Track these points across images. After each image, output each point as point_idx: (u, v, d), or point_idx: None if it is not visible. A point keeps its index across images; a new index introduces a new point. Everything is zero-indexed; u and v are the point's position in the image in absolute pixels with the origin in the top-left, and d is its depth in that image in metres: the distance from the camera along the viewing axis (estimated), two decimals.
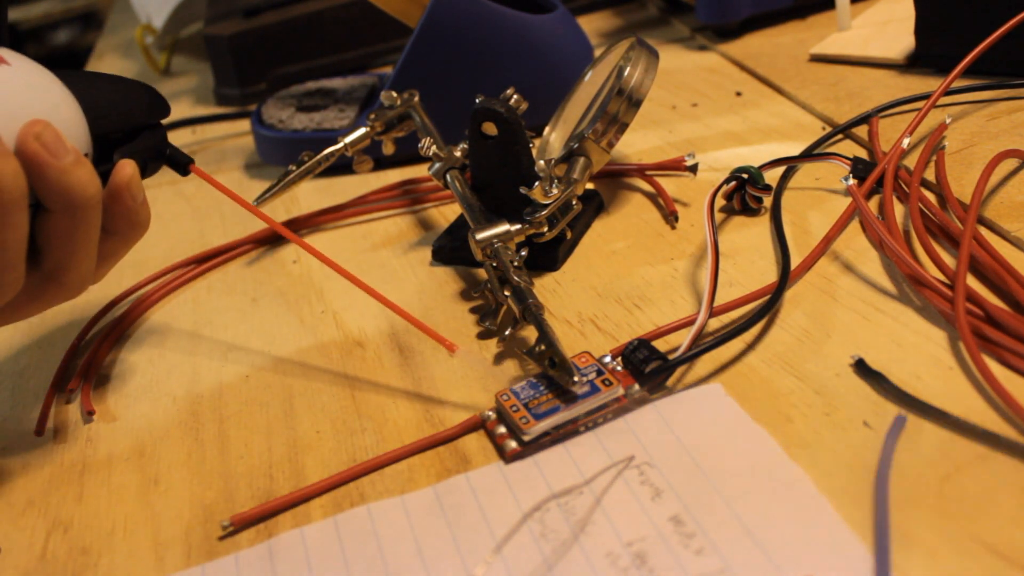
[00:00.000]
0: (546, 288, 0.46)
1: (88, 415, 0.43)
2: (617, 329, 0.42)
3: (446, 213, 0.56)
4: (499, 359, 0.41)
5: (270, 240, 0.56)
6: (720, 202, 0.50)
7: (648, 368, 0.37)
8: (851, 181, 0.44)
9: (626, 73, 0.47)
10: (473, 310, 0.46)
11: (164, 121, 0.41)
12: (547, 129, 0.53)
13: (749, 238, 0.47)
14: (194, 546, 0.35)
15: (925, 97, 0.53)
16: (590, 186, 0.54)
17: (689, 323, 0.39)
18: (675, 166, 0.54)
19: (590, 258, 0.48)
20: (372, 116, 0.56)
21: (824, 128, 0.57)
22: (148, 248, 0.59)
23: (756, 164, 0.49)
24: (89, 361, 0.47)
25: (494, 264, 0.43)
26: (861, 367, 0.36)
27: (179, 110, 0.84)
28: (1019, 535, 0.28)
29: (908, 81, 0.60)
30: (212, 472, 0.38)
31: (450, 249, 0.50)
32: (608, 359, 0.39)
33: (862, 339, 0.38)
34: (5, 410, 0.45)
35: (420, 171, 0.61)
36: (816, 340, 0.38)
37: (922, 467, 0.31)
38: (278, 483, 0.37)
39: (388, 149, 0.58)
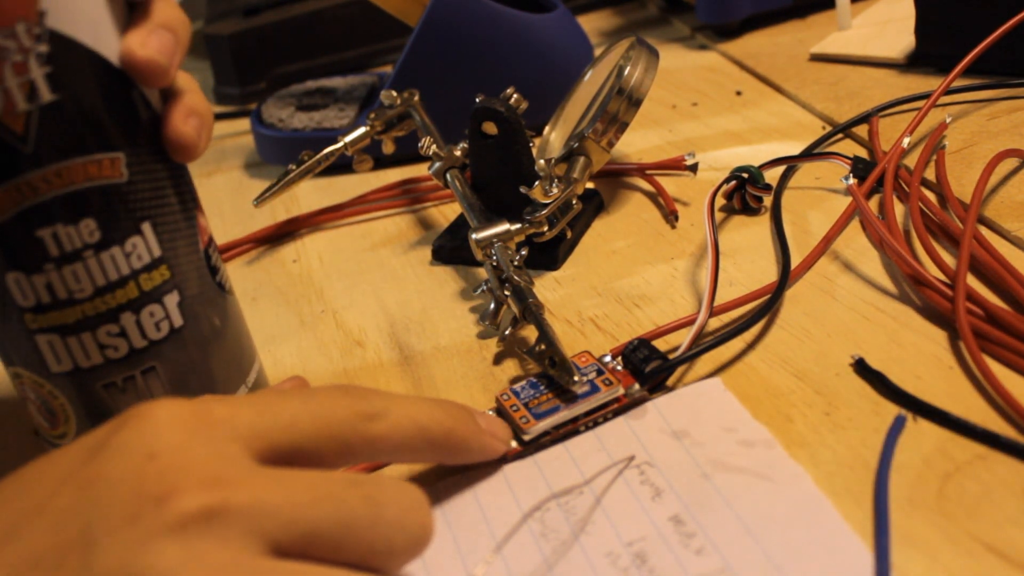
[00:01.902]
0: (546, 288, 0.46)
1: None
2: (617, 329, 0.42)
3: (446, 212, 0.56)
4: (499, 359, 0.41)
5: (270, 240, 0.56)
6: (720, 201, 0.50)
7: (648, 368, 0.37)
8: (851, 180, 0.44)
9: (626, 72, 0.47)
10: (473, 310, 0.46)
11: None
12: (547, 129, 0.53)
13: (749, 237, 0.47)
14: None
15: (925, 97, 0.53)
16: (590, 185, 0.54)
17: (689, 323, 0.39)
18: (675, 165, 0.54)
19: (590, 258, 0.48)
20: (372, 115, 0.56)
21: (824, 127, 0.57)
22: None
23: (756, 163, 0.49)
24: None
25: (494, 263, 0.43)
26: (861, 367, 0.36)
27: None
28: (1019, 535, 0.28)
29: (908, 81, 0.60)
30: None
31: (450, 248, 0.50)
32: (608, 359, 0.39)
33: (862, 339, 0.38)
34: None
35: (420, 170, 0.61)
36: (816, 340, 0.38)
37: (922, 467, 0.31)
38: None
39: (388, 148, 0.58)
